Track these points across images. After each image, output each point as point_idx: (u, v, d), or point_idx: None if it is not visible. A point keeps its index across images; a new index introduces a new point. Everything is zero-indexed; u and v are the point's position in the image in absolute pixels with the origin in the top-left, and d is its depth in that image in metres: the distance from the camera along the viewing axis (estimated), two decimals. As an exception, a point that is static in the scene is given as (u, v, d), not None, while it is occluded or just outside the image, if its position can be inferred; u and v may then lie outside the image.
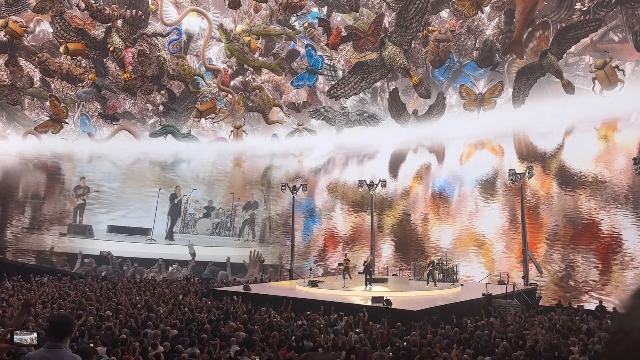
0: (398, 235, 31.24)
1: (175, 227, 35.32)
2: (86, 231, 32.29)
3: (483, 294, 18.79)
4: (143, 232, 33.31)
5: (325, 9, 29.69)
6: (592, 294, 22.47)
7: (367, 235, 29.94)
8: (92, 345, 9.38)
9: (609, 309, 18.33)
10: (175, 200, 35.12)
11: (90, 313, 13.71)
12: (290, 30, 30.24)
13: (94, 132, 36.08)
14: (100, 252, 30.71)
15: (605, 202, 24.46)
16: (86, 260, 30.33)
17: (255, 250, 32.79)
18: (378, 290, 20.14)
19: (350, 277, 22.58)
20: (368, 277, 21.02)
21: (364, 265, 21.79)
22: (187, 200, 35.87)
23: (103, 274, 28.32)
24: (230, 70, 33.67)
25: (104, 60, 30.78)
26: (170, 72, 30.45)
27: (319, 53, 30.56)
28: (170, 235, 34.08)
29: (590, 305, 19.82)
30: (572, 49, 25.69)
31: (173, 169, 38.16)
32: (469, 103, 29.48)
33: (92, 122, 36.23)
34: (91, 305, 15.50)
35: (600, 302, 19.59)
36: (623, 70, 24.75)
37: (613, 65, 24.50)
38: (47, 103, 32.94)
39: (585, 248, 24.04)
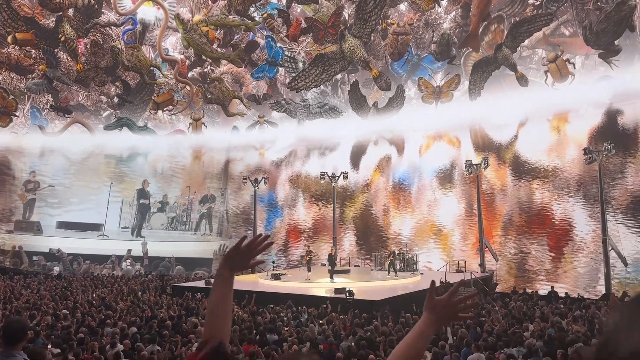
0: (359, 226, 31.53)
1: (129, 222, 34.55)
2: (34, 228, 31.10)
3: (441, 282, 19.20)
4: (94, 227, 32.30)
5: (284, 0, 29.46)
6: (545, 279, 23.34)
7: (329, 227, 30.09)
8: (49, 345, 9.12)
9: (561, 293, 19.13)
10: (151, 201, 34.42)
11: (45, 313, 13.27)
12: (249, 21, 29.87)
13: (45, 126, 34.76)
14: (50, 249, 29.60)
15: (558, 191, 25.39)
16: (35, 258, 29.21)
17: (224, 244, 32.39)
18: (340, 281, 20.30)
19: (310, 270, 22.60)
20: (330, 269, 21.14)
21: (328, 257, 21.91)
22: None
23: (55, 270, 27.34)
24: (187, 61, 33.03)
25: (55, 50, 29.63)
26: (125, 62, 29.61)
27: (279, 44, 30.32)
28: (138, 232, 33.25)
29: (544, 291, 20.59)
30: (526, 42, 26.41)
31: (129, 163, 37.22)
32: (427, 96, 29.95)
33: (44, 115, 34.90)
34: (46, 304, 15.01)
35: (552, 287, 20.36)
36: (574, 64, 25.67)
37: (564, 58, 25.37)
38: (-5, 95, 31.49)
39: (539, 236, 24.93)
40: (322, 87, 31.37)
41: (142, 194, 34.25)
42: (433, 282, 2.11)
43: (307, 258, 22.82)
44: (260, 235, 2.28)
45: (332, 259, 21.58)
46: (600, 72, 25.11)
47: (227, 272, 2.16)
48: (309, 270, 22.48)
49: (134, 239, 32.37)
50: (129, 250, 30.12)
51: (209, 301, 2.14)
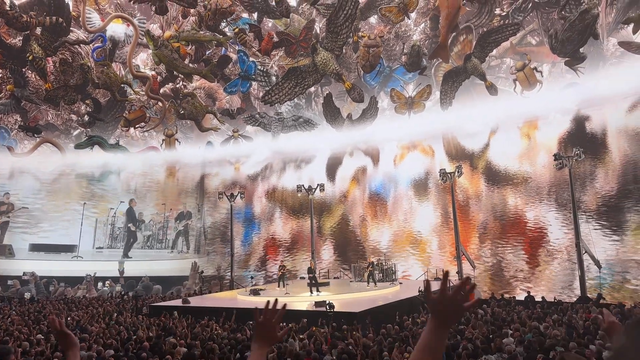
0: (338, 238, 31.52)
1: (103, 242, 33.87)
2: (6, 251, 30.24)
3: (419, 291, 19.28)
4: (68, 249, 31.59)
5: (255, 15, 29.51)
6: (521, 284, 23.62)
7: (307, 240, 29.99)
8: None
9: (538, 298, 19.37)
10: (139, 222, 33.92)
11: (17, 338, 12.84)
12: (221, 36, 29.81)
13: (14, 146, 33.97)
14: (24, 273, 28.81)
15: (531, 197, 25.84)
16: (9, 282, 28.37)
17: (195, 261, 32.03)
18: (321, 294, 20.17)
19: (284, 285, 22.40)
20: (313, 282, 20.91)
21: (308, 270, 21.76)
22: (115, 213, 34.49)
23: (26, 295, 26.51)
24: (159, 77, 32.75)
25: (23, 69, 29.05)
26: (95, 80, 29.20)
27: (251, 59, 30.32)
28: (125, 253, 32.68)
29: (521, 296, 20.81)
30: (494, 52, 27.01)
31: (101, 182, 36.57)
32: (399, 106, 30.29)
33: (12, 136, 34.12)
34: (19, 330, 14.53)
35: (529, 292, 20.60)
36: (541, 72, 26.33)
37: (532, 67, 26.00)
38: (-40, 116, 30.69)
39: (514, 241, 25.27)
40: (295, 100, 31.45)
41: (131, 213, 33.77)
42: (427, 282, 1.82)
43: (280, 273, 22.68)
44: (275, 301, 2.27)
45: (312, 272, 21.44)
46: (567, 80, 25.81)
47: (260, 347, 2.20)
48: (281, 285, 22.39)
49: (109, 259, 31.74)
50: (95, 273, 29.45)
51: None
